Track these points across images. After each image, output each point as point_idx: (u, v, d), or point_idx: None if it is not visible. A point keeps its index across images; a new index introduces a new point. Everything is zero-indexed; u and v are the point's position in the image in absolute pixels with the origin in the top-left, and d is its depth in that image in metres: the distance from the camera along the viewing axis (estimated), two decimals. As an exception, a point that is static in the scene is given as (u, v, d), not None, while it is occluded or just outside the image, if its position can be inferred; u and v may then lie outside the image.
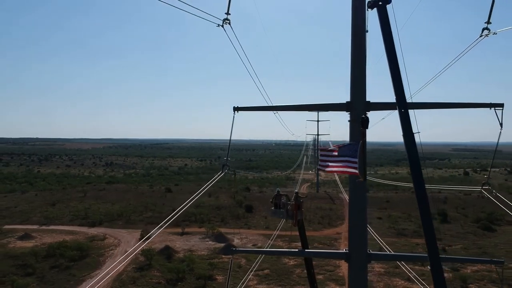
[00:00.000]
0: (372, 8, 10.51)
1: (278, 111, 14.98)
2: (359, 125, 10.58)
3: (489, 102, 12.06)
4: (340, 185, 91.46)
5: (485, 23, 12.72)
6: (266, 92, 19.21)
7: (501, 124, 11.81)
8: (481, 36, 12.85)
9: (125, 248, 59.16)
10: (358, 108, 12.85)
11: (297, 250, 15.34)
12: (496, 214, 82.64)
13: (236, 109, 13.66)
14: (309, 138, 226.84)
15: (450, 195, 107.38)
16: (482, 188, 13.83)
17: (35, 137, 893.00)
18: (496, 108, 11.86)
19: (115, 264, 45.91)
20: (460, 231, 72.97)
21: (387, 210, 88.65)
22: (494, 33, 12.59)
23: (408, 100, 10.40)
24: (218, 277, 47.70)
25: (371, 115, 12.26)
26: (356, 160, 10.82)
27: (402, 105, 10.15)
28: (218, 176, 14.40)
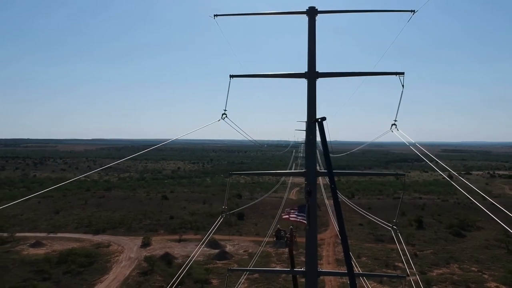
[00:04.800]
0: (315, 123, 17.14)
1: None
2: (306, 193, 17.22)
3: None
4: (323, 191, 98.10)
5: (394, 120, 19.16)
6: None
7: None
8: (390, 129, 19.21)
9: (129, 254, 65.45)
10: (310, 176, 19.40)
11: (274, 269, 21.68)
12: (468, 220, 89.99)
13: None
14: (301, 139, 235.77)
15: (429, 201, 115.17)
16: (392, 227, 20.01)
17: (26, 137, 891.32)
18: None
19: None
20: (432, 237, 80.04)
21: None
22: (397, 130, 18.99)
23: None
24: (213, 281, 54.20)
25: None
26: (305, 215, 17.55)
27: (331, 180, 16.75)
28: (219, 221, 20.55)
